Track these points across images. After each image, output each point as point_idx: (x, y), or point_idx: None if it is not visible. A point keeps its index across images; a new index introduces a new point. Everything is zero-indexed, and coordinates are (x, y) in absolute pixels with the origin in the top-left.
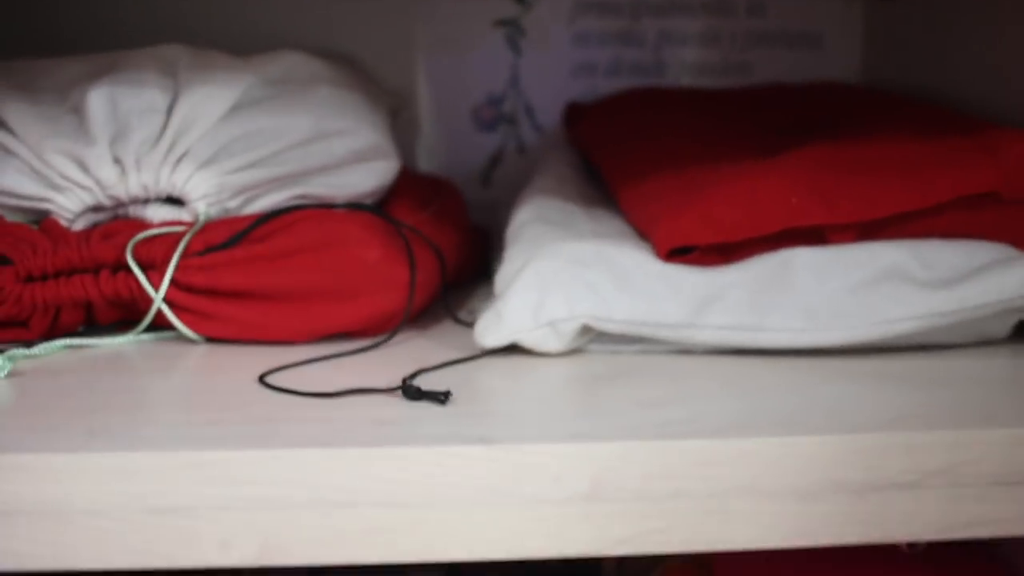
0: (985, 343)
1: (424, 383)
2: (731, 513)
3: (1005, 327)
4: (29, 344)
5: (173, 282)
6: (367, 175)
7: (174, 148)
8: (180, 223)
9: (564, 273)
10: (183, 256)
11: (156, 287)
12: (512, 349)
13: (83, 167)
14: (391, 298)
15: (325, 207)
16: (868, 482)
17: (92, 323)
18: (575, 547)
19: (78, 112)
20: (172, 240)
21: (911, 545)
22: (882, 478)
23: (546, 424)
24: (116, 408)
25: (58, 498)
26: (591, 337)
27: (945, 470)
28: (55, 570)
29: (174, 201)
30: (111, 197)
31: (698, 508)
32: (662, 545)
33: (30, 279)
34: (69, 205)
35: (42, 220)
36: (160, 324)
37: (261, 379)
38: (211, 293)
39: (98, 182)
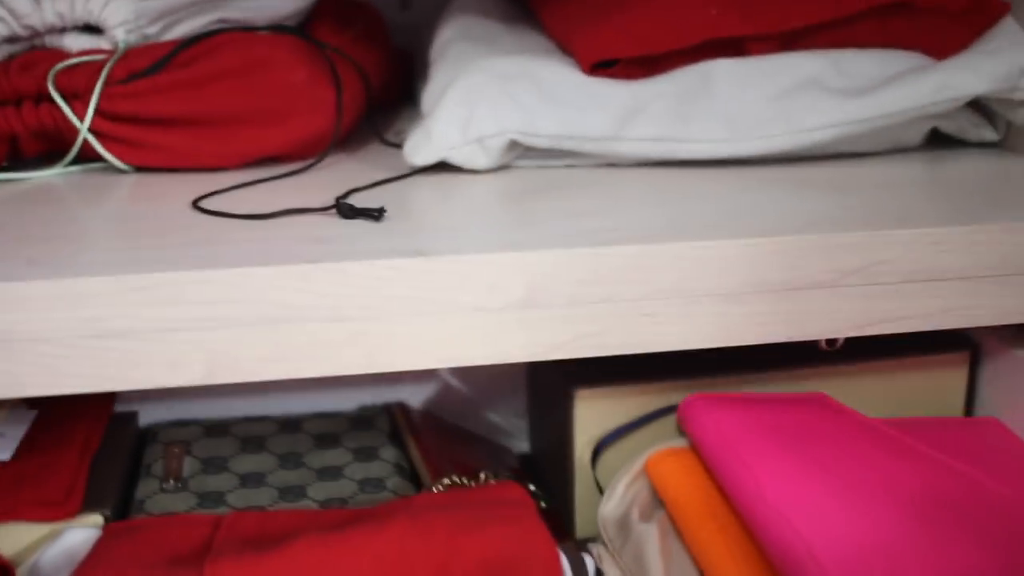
0: (900, 151)
1: (357, 202)
2: (660, 315)
3: (919, 135)
4: None
5: (98, 111)
6: None
7: None
8: (100, 51)
9: (490, 88)
10: (106, 84)
11: (80, 117)
12: (442, 167)
13: None
14: (318, 119)
15: (248, 30)
16: (789, 282)
17: (17, 157)
18: (512, 353)
19: None
20: (94, 68)
21: (829, 342)
22: (802, 278)
23: (480, 236)
24: (53, 238)
25: (4, 327)
26: (518, 153)
27: (862, 269)
28: (7, 397)
29: (92, 30)
30: (26, 27)
31: (629, 312)
32: (596, 349)
33: None
34: None
35: None
36: (87, 155)
37: (195, 204)
38: (137, 121)
39: (11, 11)
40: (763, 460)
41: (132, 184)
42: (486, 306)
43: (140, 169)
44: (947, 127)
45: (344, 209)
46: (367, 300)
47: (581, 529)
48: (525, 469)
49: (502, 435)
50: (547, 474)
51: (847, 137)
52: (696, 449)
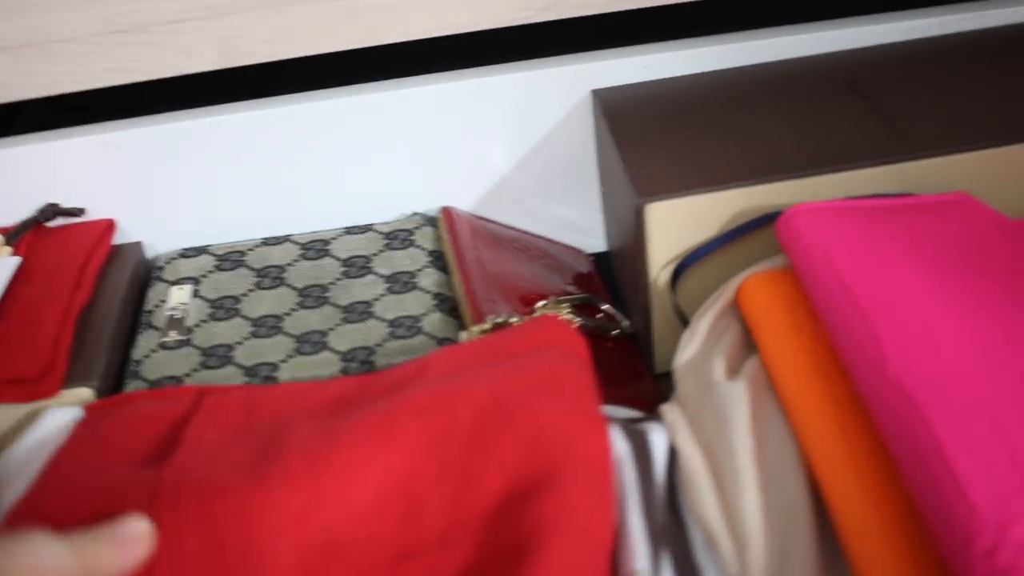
0: None
1: None
2: None
3: None
4: None
5: None
6: None
7: None
8: None
9: None
10: None
11: None
12: None
13: None
14: None
15: None
16: None
17: None
18: (500, 18)
19: None
20: None
21: None
22: None
23: None
24: None
25: (36, 30)
26: None
27: None
28: (43, 96)
29: None
30: None
31: None
32: (582, 8)
33: None
34: None
35: None
36: None
37: None
38: None
39: None
40: (887, 306)
41: None
42: None
43: None
44: None
45: None
46: None
47: (661, 365)
48: (603, 275)
49: (575, 234)
50: (627, 288)
51: None
52: (803, 276)
